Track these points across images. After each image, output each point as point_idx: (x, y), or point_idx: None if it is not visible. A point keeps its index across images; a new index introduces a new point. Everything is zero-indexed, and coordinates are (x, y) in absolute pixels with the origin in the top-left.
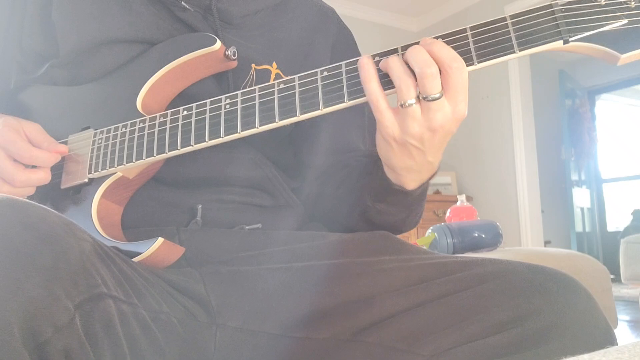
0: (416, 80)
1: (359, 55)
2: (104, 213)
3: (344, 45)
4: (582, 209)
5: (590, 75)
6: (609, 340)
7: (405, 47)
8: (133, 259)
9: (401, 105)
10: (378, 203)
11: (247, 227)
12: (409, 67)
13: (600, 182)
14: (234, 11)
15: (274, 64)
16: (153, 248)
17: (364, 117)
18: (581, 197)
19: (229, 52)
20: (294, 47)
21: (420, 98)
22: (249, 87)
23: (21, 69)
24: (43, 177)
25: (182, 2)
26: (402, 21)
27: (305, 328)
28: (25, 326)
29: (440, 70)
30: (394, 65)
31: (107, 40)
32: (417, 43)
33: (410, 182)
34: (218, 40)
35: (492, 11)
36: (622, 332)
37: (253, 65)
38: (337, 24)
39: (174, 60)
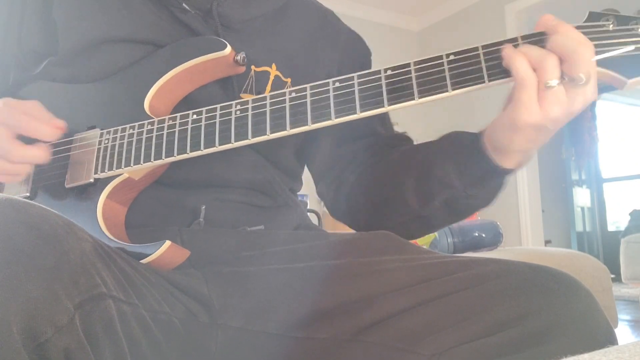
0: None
1: (370, 54)
2: (108, 213)
3: (351, 52)
4: (582, 209)
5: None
6: (609, 339)
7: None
8: (138, 261)
9: (546, 86)
10: (472, 188)
11: (249, 229)
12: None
13: (601, 181)
14: (235, 16)
15: (274, 66)
16: (160, 251)
17: None
18: (581, 197)
19: (238, 57)
20: (294, 49)
21: (566, 79)
22: (249, 89)
23: (20, 66)
24: (40, 154)
25: (183, 4)
26: (402, 21)
27: (306, 328)
28: (24, 326)
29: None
30: (533, 47)
31: (107, 40)
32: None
33: (514, 164)
34: (228, 45)
35: (493, 11)
36: (623, 331)
37: (253, 67)
38: (337, 28)
39: (184, 63)
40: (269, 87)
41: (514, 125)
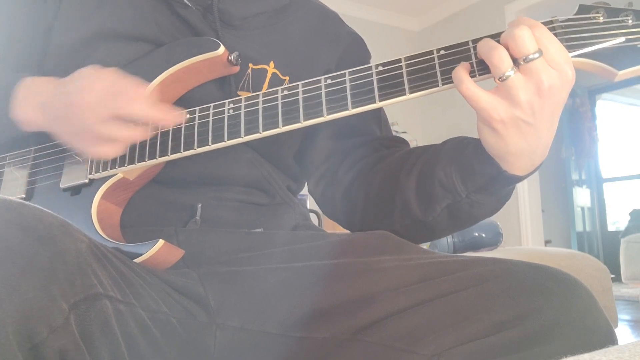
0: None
1: (369, 57)
2: (103, 214)
3: (354, 54)
4: (582, 209)
5: (590, 74)
6: (609, 339)
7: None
8: (133, 261)
9: (500, 80)
10: (476, 194)
11: (248, 231)
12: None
13: (601, 181)
14: (235, 13)
15: (271, 64)
16: (153, 250)
17: (380, 109)
18: (581, 197)
19: (232, 57)
20: (293, 48)
21: (521, 63)
22: (246, 86)
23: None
24: (143, 134)
25: None
26: (402, 20)
27: (304, 327)
28: (19, 327)
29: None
30: (481, 44)
31: (104, 35)
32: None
33: (519, 169)
34: (222, 45)
35: (493, 11)
36: (623, 331)
37: (250, 65)
38: (339, 30)
39: (177, 63)
40: (266, 85)
41: (486, 127)
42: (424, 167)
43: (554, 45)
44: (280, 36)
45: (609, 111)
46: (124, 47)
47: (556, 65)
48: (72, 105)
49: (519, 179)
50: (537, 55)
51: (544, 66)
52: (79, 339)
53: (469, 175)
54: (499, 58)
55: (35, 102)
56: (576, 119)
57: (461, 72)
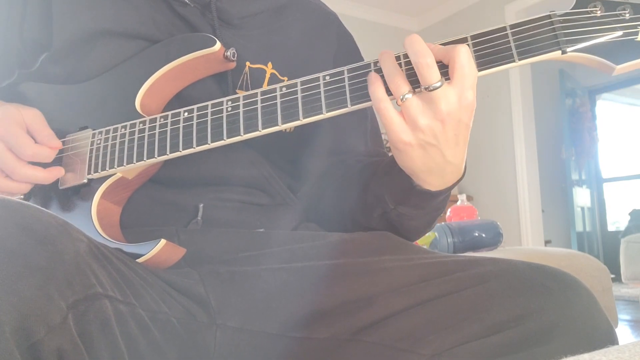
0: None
1: (362, 59)
2: (103, 214)
3: (345, 52)
4: (582, 209)
5: (590, 74)
6: (609, 339)
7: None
8: (134, 260)
9: (401, 99)
10: (400, 206)
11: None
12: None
13: (601, 181)
14: (233, 11)
15: (270, 64)
16: (155, 250)
17: (367, 120)
18: (582, 197)
19: (228, 53)
20: (292, 49)
21: (422, 89)
22: (244, 85)
23: (21, 62)
24: (44, 176)
25: None
26: (402, 21)
27: (305, 328)
28: (17, 326)
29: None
30: (384, 63)
31: (103, 33)
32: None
33: (431, 185)
34: (218, 41)
35: (492, 11)
36: (623, 331)
37: (247, 64)
38: (337, 30)
39: (173, 60)
40: (265, 85)
41: (396, 149)
42: (365, 181)
43: (462, 72)
44: (279, 37)
45: (609, 111)
46: (122, 45)
47: (459, 93)
48: None
49: (434, 194)
50: (438, 84)
51: (444, 94)
52: (77, 338)
53: (391, 190)
54: (397, 83)
55: None
56: (576, 119)
57: (379, 90)
